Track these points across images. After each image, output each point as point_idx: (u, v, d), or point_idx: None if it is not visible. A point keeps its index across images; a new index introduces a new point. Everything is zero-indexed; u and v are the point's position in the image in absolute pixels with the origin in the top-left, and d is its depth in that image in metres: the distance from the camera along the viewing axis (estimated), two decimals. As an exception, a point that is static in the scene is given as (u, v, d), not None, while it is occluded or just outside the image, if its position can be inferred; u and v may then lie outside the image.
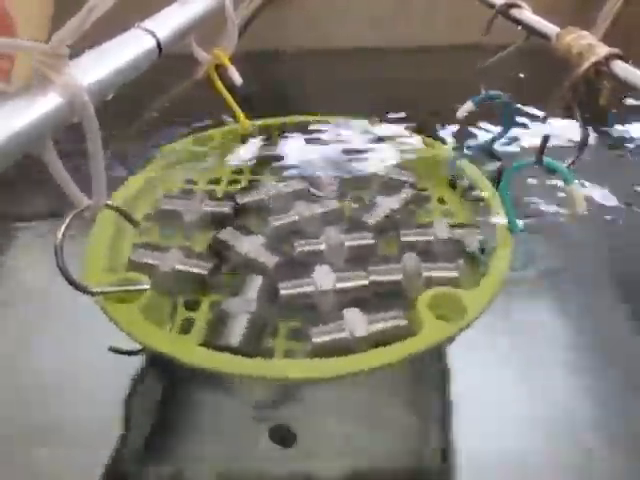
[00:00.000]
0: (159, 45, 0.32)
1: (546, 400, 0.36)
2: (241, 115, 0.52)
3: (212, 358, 0.31)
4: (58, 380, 0.38)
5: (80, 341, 0.40)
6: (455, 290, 0.35)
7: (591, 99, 0.37)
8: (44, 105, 0.23)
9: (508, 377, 0.38)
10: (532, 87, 0.71)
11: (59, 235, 0.28)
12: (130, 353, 0.39)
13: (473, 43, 0.54)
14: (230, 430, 0.35)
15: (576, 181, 0.36)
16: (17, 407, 0.37)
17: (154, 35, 0.32)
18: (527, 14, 0.46)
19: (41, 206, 0.53)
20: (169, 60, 0.34)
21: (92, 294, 0.32)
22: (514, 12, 0.47)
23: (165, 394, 0.37)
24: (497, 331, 0.40)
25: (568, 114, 0.42)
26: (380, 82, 0.77)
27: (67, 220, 0.28)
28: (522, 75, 0.74)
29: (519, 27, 0.47)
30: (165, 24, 0.34)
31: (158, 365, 0.38)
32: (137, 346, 0.37)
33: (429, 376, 0.37)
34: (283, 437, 0.34)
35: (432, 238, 0.41)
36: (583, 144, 0.40)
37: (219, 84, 0.49)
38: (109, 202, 0.31)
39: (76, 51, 0.25)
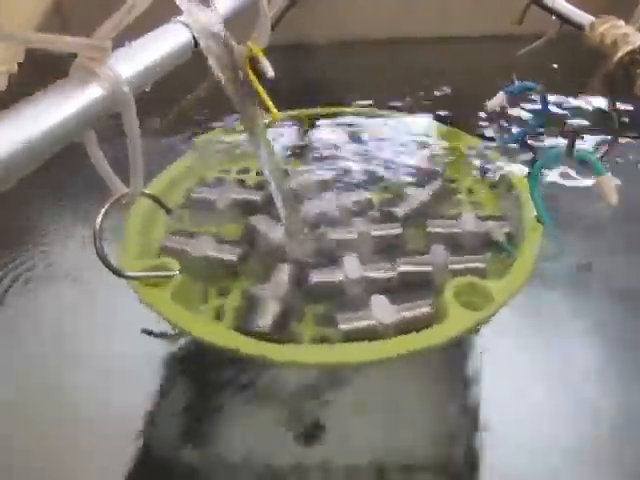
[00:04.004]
0: (195, 38, 0.33)
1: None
2: (272, 106, 0.52)
3: (244, 342, 0.32)
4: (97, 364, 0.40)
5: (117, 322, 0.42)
6: (481, 280, 0.35)
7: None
8: (87, 96, 0.24)
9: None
10: (565, 77, 0.69)
11: (98, 220, 0.29)
12: (162, 336, 0.40)
13: (508, 33, 0.54)
14: (262, 416, 0.36)
15: (608, 173, 0.35)
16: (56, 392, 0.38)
17: (190, 28, 0.33)
18: (561, 2, 0.45)
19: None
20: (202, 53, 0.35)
21: (126, 278, 0.34)
22: (547, 0, 0.47)
23: (200, 381, 0.38)
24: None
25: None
26: (410, 72, 0.77)
27: (106, 206, 0.30)
28: (555, 65, 0.72)
29: (552, 17, 0.46)
30: (201, 18, 0.35)
31: (192, 350, 0.40)
32: (170, 329, 0.38)
33: (456, 367, 0.38)
34: (311, 428, 0.35)
35: (460, 230, 0.41)
36: (616, 135, 0.39)
37: (252, 76, 0.49)
38: (145, 190, 0.32)
39: (115, 43, 0.26)
